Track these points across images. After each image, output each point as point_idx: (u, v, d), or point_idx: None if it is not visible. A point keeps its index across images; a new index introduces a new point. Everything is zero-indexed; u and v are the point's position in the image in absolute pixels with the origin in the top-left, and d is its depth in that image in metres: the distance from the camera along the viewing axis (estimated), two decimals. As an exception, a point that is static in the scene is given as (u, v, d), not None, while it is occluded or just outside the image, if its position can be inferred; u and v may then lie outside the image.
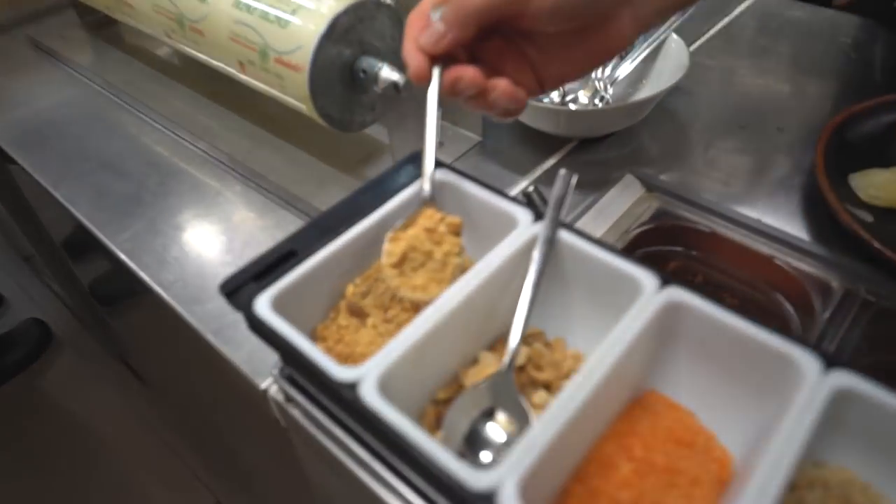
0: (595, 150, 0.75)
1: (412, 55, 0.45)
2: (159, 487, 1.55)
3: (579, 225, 0.66)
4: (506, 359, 0.44)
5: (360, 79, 0.63)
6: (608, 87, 0.76)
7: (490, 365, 0.47)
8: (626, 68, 0.77)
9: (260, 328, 0.43)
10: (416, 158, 0.55)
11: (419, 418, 0.45)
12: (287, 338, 0.42)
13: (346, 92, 0.64)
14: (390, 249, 0.47)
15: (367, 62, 0.62)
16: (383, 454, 0.45)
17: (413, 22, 0.46)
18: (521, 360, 0.47)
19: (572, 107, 0.76)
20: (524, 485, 0.34)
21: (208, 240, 0.67)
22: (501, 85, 0.45)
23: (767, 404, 0.41)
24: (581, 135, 0.74)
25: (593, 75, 0.77)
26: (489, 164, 0.74)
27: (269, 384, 0.54)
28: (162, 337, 0.88)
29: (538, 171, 0.72)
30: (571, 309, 0.50)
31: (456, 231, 0.48)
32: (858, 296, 0.57)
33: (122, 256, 0.65)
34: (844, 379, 0.37)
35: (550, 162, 0.73)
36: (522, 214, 0.48)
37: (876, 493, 0.39)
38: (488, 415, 0.43)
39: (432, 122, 0.49)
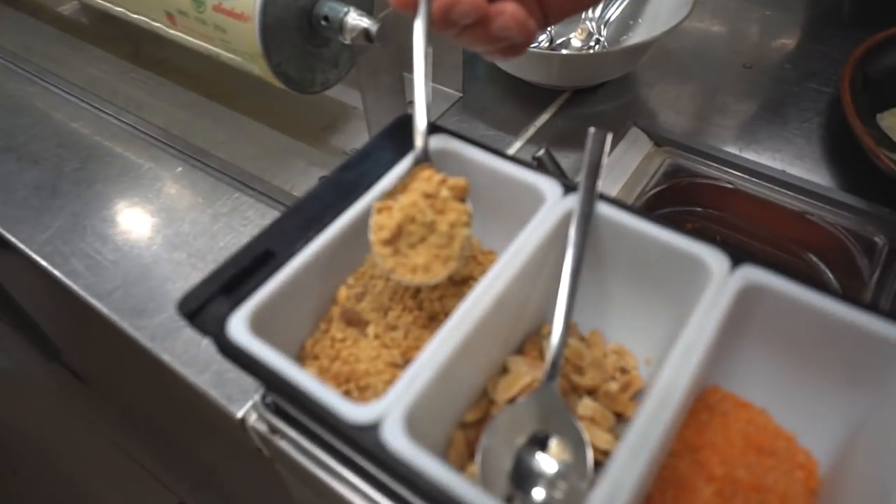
0: (590, 102, 0.66)
1: None
2: (116, 493, 1.43)
3: (586, 189, 0.58)
4: (548, 367, 0.36)
5: (321, 28, 0.52)
6: (602, 28, 0.67)
7: (524, 374, 0.39)
8: (618, 7, 0.68)
9: (238, 357, 0.33)
10: (408, 122, 0.45)
11: (446, 449, 0.37)
12: (278, 370, 0.32)
13: (305, 45, 0.53)
14: (381, 222, 0.37)
15: (328, 6, 0.51)
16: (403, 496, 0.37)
17: None
18: (558, 364, 0.39)
19: (565, 52, 0.67)
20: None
21: (150, 234, 0.55)
22: (509, 9, 0.36)
23: (859, 398, 0.35)
24: (574, 84, 0.65)
25: (584, 15, 0.67)
26: (474, 124, 0.64)
27: (248, 411, 0.44)
28: (109, 349, 0.76)
29: (531, 129, 0.63)
30: (611, 296, 0.42)
31: (461, 195, 0.39)
32: (905, 251, 0.51)
33: (43, 263, 0.53)
34: (972, 369, 0.31)
35: (544, 117, 0.64)
36: (550, 187, 0.40)
37: None
38: (536, 442, 0.35)
39: (421, 65, 0.40)
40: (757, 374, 0.38)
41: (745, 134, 0.62)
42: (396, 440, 0.29)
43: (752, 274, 0.35)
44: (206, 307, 0.35)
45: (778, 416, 0.38)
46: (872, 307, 0.33)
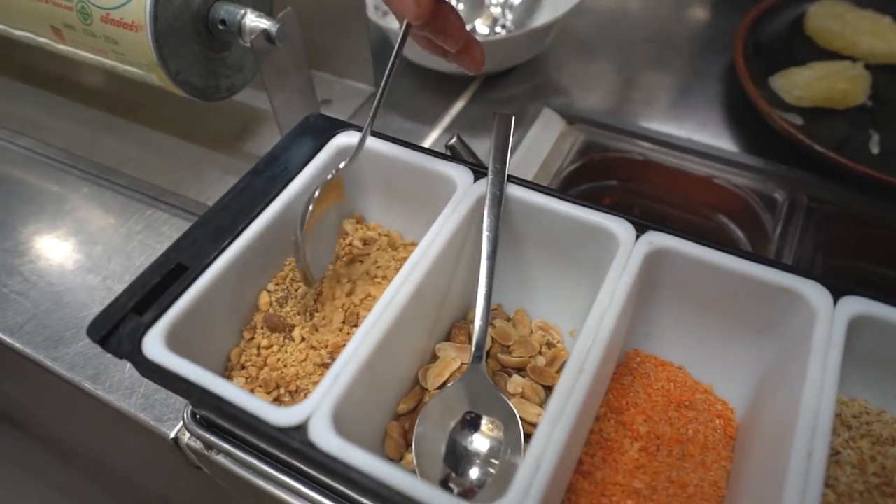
0: (502, 87, 0.67)
1: None
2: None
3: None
4: (473, 349, 0.37)
5: (219, 32, 0.50)
6: (507, 12, 0.68)
7: (453, 359, 0.39)
8: (520, -10, 0.69)
9: (157, 375, 0.32)
10: (315, 121, 0.44)
11: (382, 441, 0.37)
12: (198, 383, 0.31)
13: (205, 51, 0.52)
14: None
15: (224, 9, 0.50)
16: (348, 496, 0.36)
17: None
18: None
19: (471, 40, 0.67)
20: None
21: (60, 261, 0.53)
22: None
23: (765, 344, 0.37)
24: (486, 70, 0.66)
25: (489, 1, 0.68)
26: (390, 118, 0.64)
27: (180, 430, 0.43)
28: (33, 386, 0.73)
29: (446, 119, 0.64)
30: (531, 275, 0.43)
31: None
32: (803, 204, 0.55)
33: (-56, 302, 0.50)
34: (858, 306, 0.33)
35: (458, 106, 0.65)
36: (460, 174, 0.40)
37: (891, 417, 0.36)
38: (468, 422, 0.35)
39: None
40: (673, 334, 0.40)
41: (651, 106, 0.64)
42: (324, 438, 0.29)
43: (657, 239, 0.36)
44: (118, 329, 0.34)
45: (695, 372, 0.40)
46: (763, 259, 0.35)
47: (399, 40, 0.38)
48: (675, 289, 0.38)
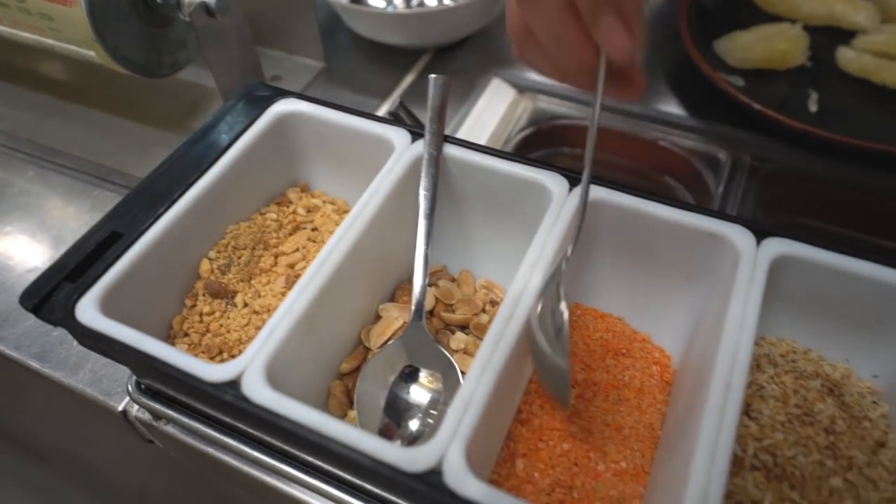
0: (453, 59, 0.67)
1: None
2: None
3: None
4: (413, 307, 0.37)
5: (157, 7, 0.50)
6: (454, -16, 0.68)
7: (395, 318, 0.40)
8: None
9: (92, 340, 0.32)
10: (253, 90, 0.44)
11: (326, 400, 0.37)
12: (131, 344, 0.32)
13: (145, 26, 0.51)
14: None
15: (162, -17, 0.49)
16: (294, 454, 0.37)
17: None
18: (428, 305, 0.41)
19: (420, 10, 0.67)
20: (469, 451, 0.28)
21: (6, 244, 0.52)
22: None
23: (699, 292, 0.38)
24: (435, 41, 0.66)
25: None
26: (341, 92, 0.64)
27: (128, 403, 0.43)
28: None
29: (397, 91, 0.64)
30: (472, 235, 0.43)
31: None
32: (745, 163, 0.56)
33: None
34: (780, 246, 0.34)
35: (409, 78, 0.65)
36: (398, 135, 0.40)
37: (818, 356, 0.37)
38: (407, 376, 0.36)
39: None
40: (612, 287, 0.41)
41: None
42: (257, 391, 0.30)
43: (590, 191, 0.37)
44: (51, 297, 0.34)
45: (634, 322, 0.41)
46: (690, 206, 0.36)
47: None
48: (611, 242, 0.39)
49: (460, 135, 0.59)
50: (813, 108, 0.57)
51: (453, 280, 0.44)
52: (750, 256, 0.34)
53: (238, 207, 0.42)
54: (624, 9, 0.28)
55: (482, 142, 0.59)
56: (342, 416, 0.37)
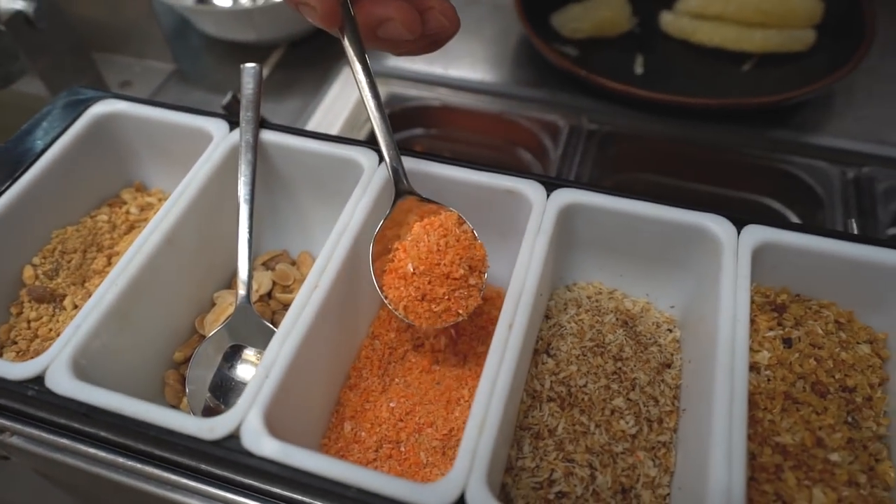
0: (304, 53, 0.68)
1: None
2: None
3: (310, 128, 0.60)
4: (240, 290, 0.39)
5: (-26, 18, 0.49)
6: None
7: (229, 304, 0.41)
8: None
9: None
10: (72, 94, 0.44)
11: (161, 389, 0.38)
12: (-69, 355, 0.31)
13: (-36, 39, 0.50)
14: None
15: (-27, -6, 0.48)
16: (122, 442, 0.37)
17: None
18: (265, 288, 0.42)
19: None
20: (269, 415, 0.29)
21: None
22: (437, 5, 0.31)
23: (509, 242, 0.40)
24: (284, 35, 0.67)
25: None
26: (193, 93, 0.64)
27: (-29, 420, 0.42)
28: None
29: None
30: (306, 217, 0.45)
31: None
32: (583, 127, 0.59)
33: None
34: (567, 196, 0.37)
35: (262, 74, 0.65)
36: (215, 125, 0.41)
37: (622, 294, 0.40)
38: (233, 355, 0.37)
39: (365, 87, 0.35)
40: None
41: (446, 54, 0.67)
42: (61, 384, 0.30)
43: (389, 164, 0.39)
44: None
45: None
46: (488, 168, 0.38)
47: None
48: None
49: (312, 124, 0.60)
50: (639, 70, 0.61)
51: (293, 263, 0.45)
52: (540, 208, 0.36)
53: (63, 211, 0.42)
54: None
55: (336, 130, 0.60)
56: (177, 403, 0.38)
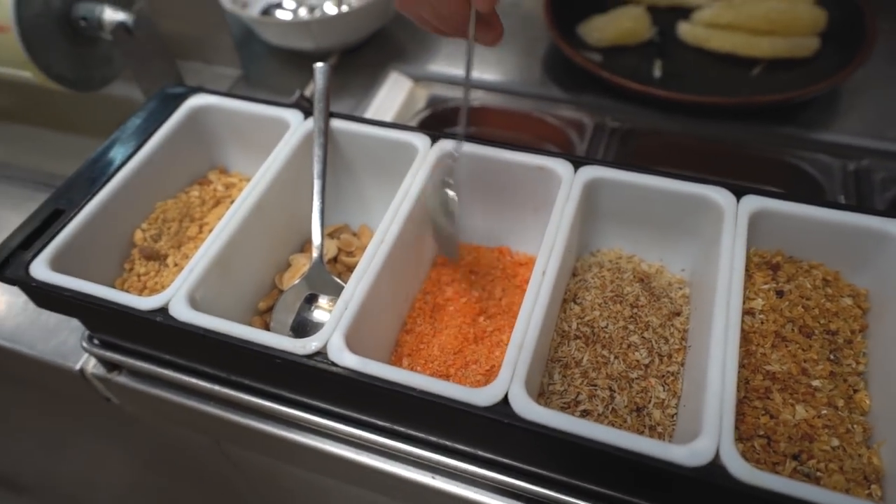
0: (357, 58, 0.76)
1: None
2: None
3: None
4: (314, 253, 0.46)
5: (82, 28, 0.58)
6: (351, -8, 0.78)
7: (303, 264, 0.48)
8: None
9: (44, 293, 0.40)
10: (169, 89, 0.52)
11: (248, 332, 0.45)
12: (78, 290, 0.39)
13: (73, 46, 0.59)
14: None
15: (83, 7, 0.57)
16: (223, 375, 0.45)
17: None
18: (331, 253, 0.49)
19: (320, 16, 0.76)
20: (349, 338, 0.36)
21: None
22: None
23: (541, 217, 0.47)
24: (339, 44, 0.75)
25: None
26: (257, 95, 0.71)
27: (84, 361, 0.50)
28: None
29: (308, 92, 0.72)
30: (365, 194, 0.52)
31: None
32: (606, 125, 0.66)
33: None
34: (591, 172, 0.43)
35: (318, 78, 0.73)
36: (292, 116, 0.49)
37: (639, 259, 0.46)
38: (309, 302, 0.44)
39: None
40: (475, 214, 0.50)
41: (483, 61, 0.74)
42: (180, 312, 0.38)
43: (446, 145, 0.46)
44: (8, 262, 0.41)
45: (501, 243, 0.50)
46: (523, 147, 0.45)
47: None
48: (465, 180, 0.48)
49: (364, 121, 0.68)
50: (657, 73, 0.68)
51: (354, 234, 0.52)
52: (568, 182, 0.43)
53: (164, 187, 0.50)
54: None
55: (384, 126, 0.68)
56: (262, 344, 0.45)
